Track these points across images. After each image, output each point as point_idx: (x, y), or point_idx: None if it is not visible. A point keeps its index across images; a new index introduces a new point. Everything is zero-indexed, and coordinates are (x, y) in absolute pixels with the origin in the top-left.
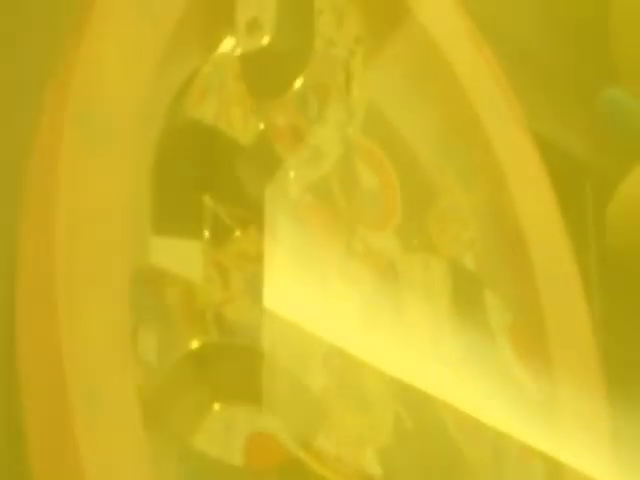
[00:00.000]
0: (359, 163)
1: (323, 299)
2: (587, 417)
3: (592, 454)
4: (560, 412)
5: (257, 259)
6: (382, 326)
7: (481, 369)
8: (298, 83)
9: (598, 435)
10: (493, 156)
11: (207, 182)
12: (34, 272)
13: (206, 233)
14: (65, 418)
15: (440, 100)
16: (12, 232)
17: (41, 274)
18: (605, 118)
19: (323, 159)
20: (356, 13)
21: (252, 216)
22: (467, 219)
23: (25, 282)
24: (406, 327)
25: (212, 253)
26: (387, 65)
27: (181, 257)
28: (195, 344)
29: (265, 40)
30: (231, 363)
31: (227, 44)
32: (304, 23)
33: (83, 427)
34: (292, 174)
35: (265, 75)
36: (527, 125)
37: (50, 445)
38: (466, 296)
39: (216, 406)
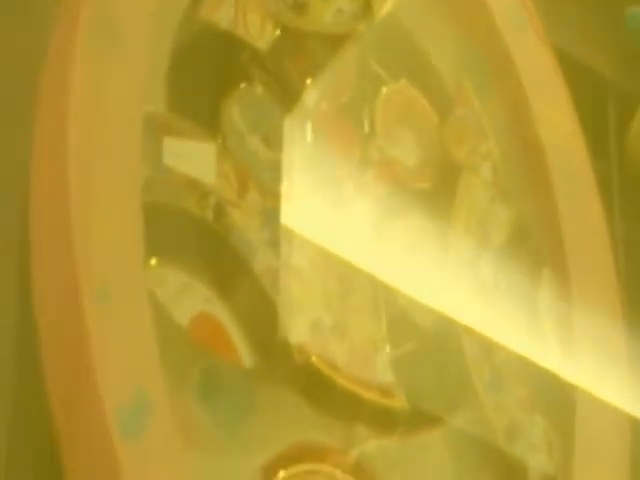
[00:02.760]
0: (378, 71)
1: (337, 209)
2: (604, 339)
3: (608, 376)
4: (577, 333)
5: (273, 167)
6: (396, 236)
7: (496, 287)
8: None
9: (615, 357)
10: (513, 69)
11: (223, 86)
12: (48, 174)
13: (221, 138)
14: (76, 309)
15: (459, 12)
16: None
17: (55, 176)
18: (631, 35)
19: (342, 69)
20: None
21: (266, 121)
22: (485, 130)
23: (39, 183)
24: (421, 238)
25: (227, 159)
26: None
27: (195, 160)
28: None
29: None
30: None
31: None
32: None
33: (93, 317)
34: (309, 82)
35: None
36: (550, 40)
37: (61, 335)
38: (483, 208)
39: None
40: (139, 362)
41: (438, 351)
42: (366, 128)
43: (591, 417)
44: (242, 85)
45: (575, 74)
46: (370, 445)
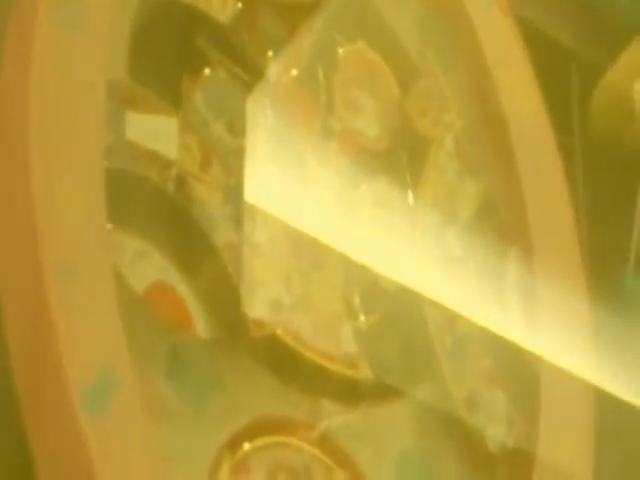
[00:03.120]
0: (336, 37)
1: (301, 183)
2: (567, 309)
3: (572, 349)
4: (540, 304)
5: (237, 151)
6: (361, 208)
7: (457, 254)
8: None
9: (579, 329)
10: (476, 41)
11: (184, 61)
12: (9, 142)
13: (183, 113)
14: (40, 290)
15: None
16: None
17: (16, 144)
18: (593, 3)
19: (299, 39)
20: None
21: (230, 107)
22: (448, 101)
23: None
24: (385, 210)
25: (189, 132)
26: None
27: (158, 134)
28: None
29: None
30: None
31: None
32: None
33: (57, 294)
34: (270, 54)
35: None
36: (513, 11)
37: (26, 315)
38: (451, 182)
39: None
40: (104, 339)
41: (402, 322)
42: (324, 96)
43: (555, 390)
44: (206, 71)
45: (538, 45)
46: (336, 418)
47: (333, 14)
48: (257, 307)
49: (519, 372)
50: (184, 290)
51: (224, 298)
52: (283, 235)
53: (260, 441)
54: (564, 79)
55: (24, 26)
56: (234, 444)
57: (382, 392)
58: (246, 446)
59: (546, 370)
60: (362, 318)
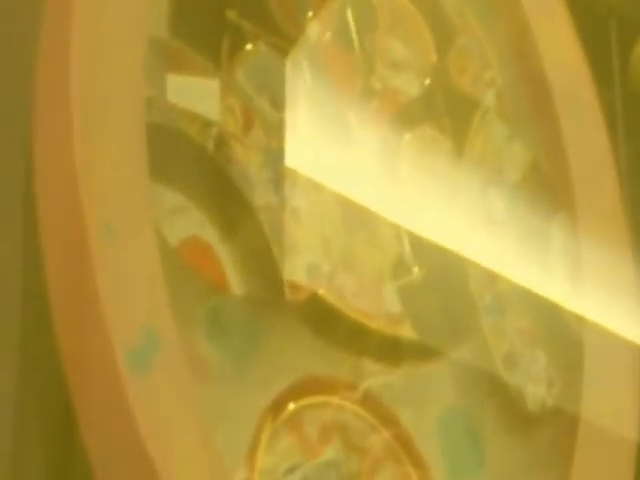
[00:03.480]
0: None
1: (342, 145)
2: (611, 267)
3: (617, 309)
4: (584, 263)
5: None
6: (401, 169)
7: (500, 217)
8: None
9: (624, 289)
10: None
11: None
12: (52, 100)
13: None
14: (82, 248)
15: None
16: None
17: (59, 101)
18: None
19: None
20: None
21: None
22: (488, 58)
23: (42, 114)
24: (424, 172)
25: (232, 93)
26: None
27: (199, 96)
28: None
29: None
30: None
31: None
32: None
33: (99, 254)
34: (310, 15)
35: None
36: None
37: (68, 275)
38: (499, 144)
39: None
40: (147, 298)
41: (444, 281)
42: (364, 55)
43: (600, 349)
44: (247, 47)
45: (577, 0)
46: (378, 378)
47: None
48: (295, 271)
49: (560, 332)
50: (220, 248)
51: (260, 259)
52: (326, 197)
53: (305, 401)
54: (604, 34)
55: None
56: (278, 405)
57: (424, 351)
58: (291, 406)
59: (590, 329)
60: (405, 277)
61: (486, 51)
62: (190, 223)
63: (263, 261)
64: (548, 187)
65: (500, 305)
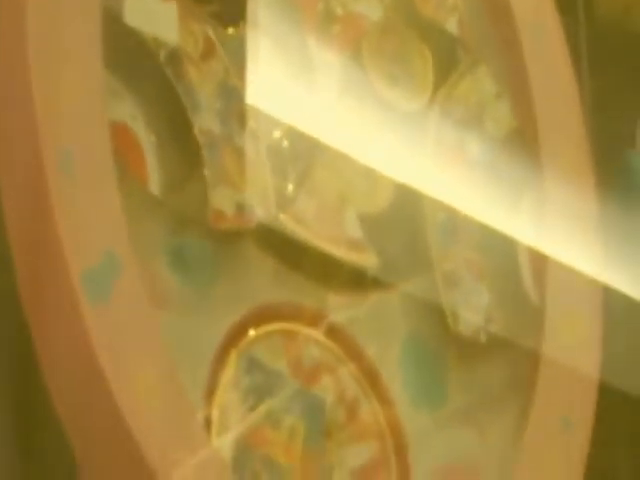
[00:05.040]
0: None
1: (301, 63)
2: (574, 204)
3: (579, 242)
4: (547, 199)
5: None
6: (357, 97)
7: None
8: None
9: (584, 223)
10: None
11: None
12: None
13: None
14: (39, 174)
15: None
16: None
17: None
18: None
19: None
20: None
21: None
22: None
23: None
24: (383, 101)
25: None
26: None
27: (158, 18)
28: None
29: None
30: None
31: None
32: None
33: (57, 184)
34: None
35: None
36: None
37: (25, 201)
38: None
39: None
40: (105, 225)
41: (403, 207)
42: None
43: (561, 285)
44: None
45: None
46: (343, 310)
47: None
48: (221, 201)
49: (510, 278)
50: (147, 146)
51: (187, 173)
52: (286, 127)
53: (266, 328)
54: None
55: None
56: (238, 330)
57: (386, 281)
58: (251, 332)
59: (552, 266)
60: (365, 205)
61: None
62: (123, 110)
63: (189, 176)
64: (526, 151)
65: (453, 228)
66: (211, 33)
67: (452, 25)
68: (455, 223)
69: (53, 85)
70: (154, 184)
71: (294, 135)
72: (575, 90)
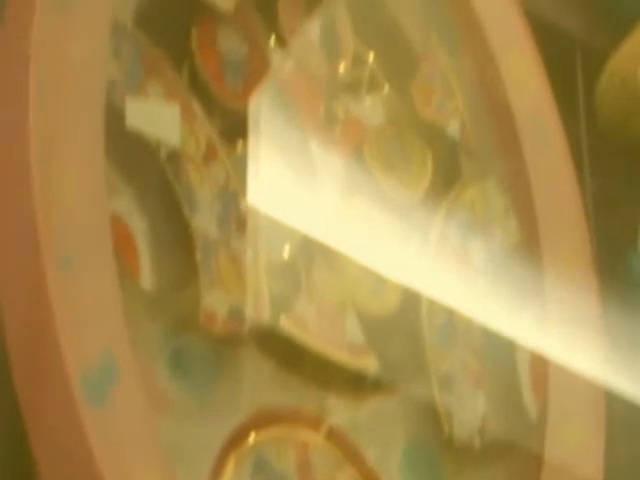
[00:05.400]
0: (342, 30)
1: (303, 168)
2: (577, 304)
3: (582, 347)
4: (549, 301)
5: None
6: (360, 199)
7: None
8: None
9: (587, 324)
10: (480, 27)
11: (187, 48)
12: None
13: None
14: (38, 276)
15: None
16: None
17: (16, 133)
18: None
19: (307, 31)
20: None
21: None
22: (452, 87)
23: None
24: (385, 203)
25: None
26: None
27: (160, 120)
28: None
29: None
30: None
31: None
32: None
33: (56, 282)
34: (272, 43)
35: None
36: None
37: (24, 302)
38: (448, 168)
39: None
40: (105, 326)
41: (404, 312)
42: (332, 89)
43: (564, 387)
44: None
45: (543, 32)
46: (343, 413)
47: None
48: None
49: (507, 382)
50: (142, 241)
51: (177, 275)
52: (287, 231)
53: (266, 433)
54: (570, 66)
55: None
56: (239, 435)
57: (387, 384)
58: (252, 436)
59: (554, 370)
60: (365, 310)
61: (450, 80)
62: (120, 203)
63: (183, 275)
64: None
65: (453, 330)
66: (214, 138)
67: (454, 128)
68: (455, 326)
69: (55, 186)
70: (146, 281)
71: (295, 239)
72: (577, 192)
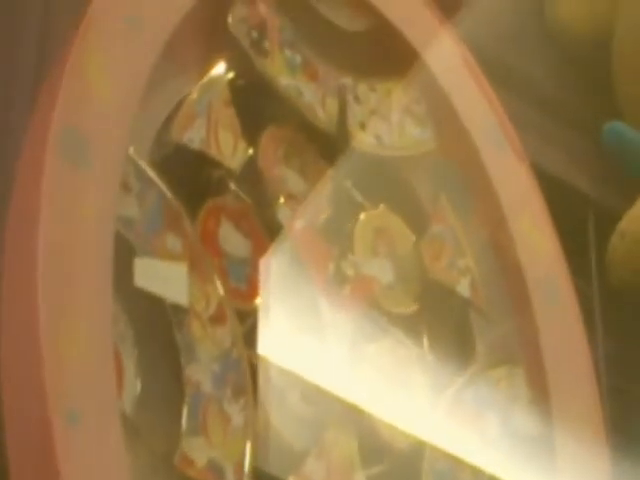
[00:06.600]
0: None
1: (313, 327)
2: (587, 465)
3: None
4: (559, 458)
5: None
6: (371, 357)
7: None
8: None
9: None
10: (491, 187)
11: (195, 207)
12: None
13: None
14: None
15: (436, 128)
16: None
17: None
18: (609, 150)
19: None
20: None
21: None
22: (462, 247)
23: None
24: (395, 361)
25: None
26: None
27: (167, 280)
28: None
29: None
30: None
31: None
32: None
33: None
34: (282, 200)
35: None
36: (530, 157)
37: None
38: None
39: None
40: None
41: (410, 471)
42: (342, 247)
43: None
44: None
45: (555, 192)
46: None
47: (352, 170)
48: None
49: None
50: (129, 366)
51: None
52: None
53: None
54: (581, 225)
55: (33, 163)
56: None
57: None
58: None
59: None
60: (373, 466)
61: (461, 239)
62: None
63: (166, 416)
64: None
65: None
66: (224, 300)
67: (464, 287)
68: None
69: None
70: (127, 403)
71: (304, 398)
72: (587, 351)
